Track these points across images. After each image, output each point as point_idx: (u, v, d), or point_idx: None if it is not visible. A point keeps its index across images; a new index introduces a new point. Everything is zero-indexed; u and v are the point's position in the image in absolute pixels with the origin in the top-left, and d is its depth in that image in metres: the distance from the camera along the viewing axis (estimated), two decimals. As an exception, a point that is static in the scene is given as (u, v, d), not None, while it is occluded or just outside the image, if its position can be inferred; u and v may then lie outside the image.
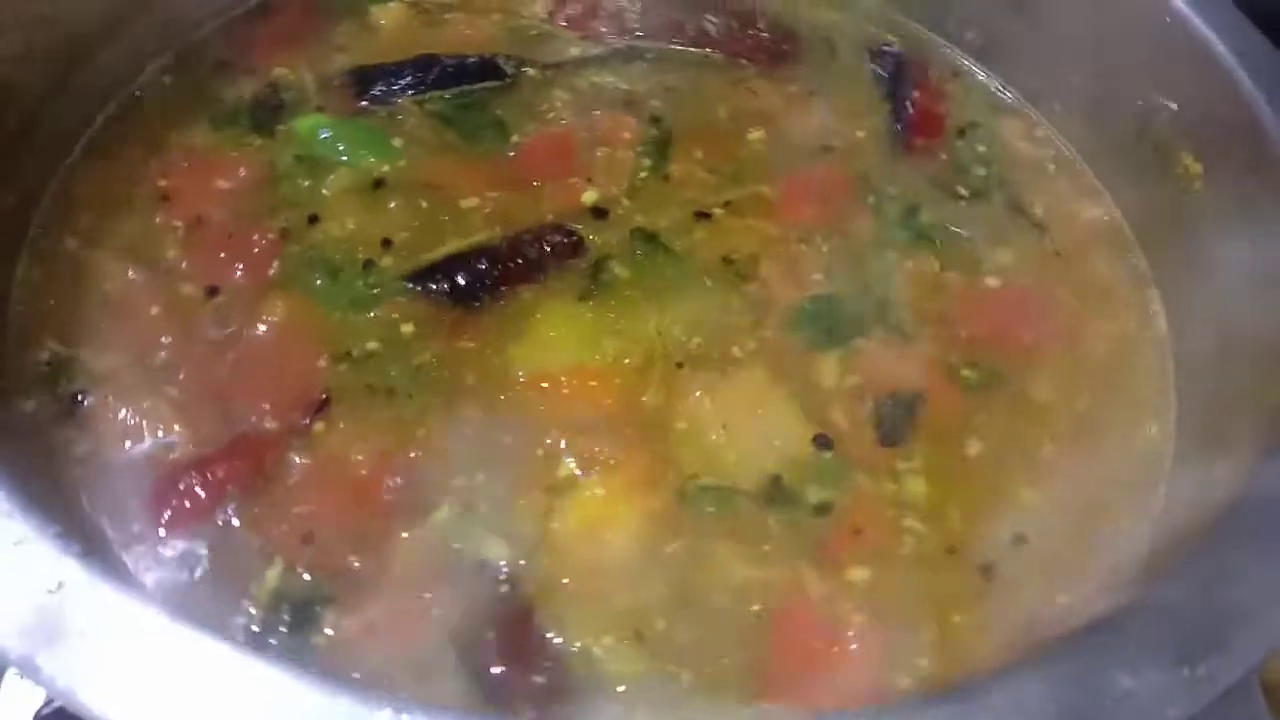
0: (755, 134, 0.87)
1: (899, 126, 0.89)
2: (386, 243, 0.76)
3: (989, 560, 0.66)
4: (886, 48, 0.95)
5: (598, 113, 0.87)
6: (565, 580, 0.62)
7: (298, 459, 0.66)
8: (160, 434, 0.66)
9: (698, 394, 0.70)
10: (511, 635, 0.58)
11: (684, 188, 0.83)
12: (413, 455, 0.66)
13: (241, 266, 0.73)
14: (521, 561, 0.62)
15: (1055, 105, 0.90)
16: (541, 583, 0.62)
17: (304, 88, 0.86)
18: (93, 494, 0.64)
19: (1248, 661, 0.49)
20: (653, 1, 0.96)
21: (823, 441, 0.69)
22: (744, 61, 0.92)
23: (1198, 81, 0.78)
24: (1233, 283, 0.73)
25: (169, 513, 0.63)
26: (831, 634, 0.61)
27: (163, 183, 0.78)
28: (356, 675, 0.57)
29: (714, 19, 0.94)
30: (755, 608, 0.62)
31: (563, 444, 0.66)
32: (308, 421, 0.67)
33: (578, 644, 0.59)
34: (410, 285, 0.74)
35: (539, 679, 0.57)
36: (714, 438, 0.68)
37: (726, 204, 0.81)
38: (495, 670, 0.57)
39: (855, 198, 0.83)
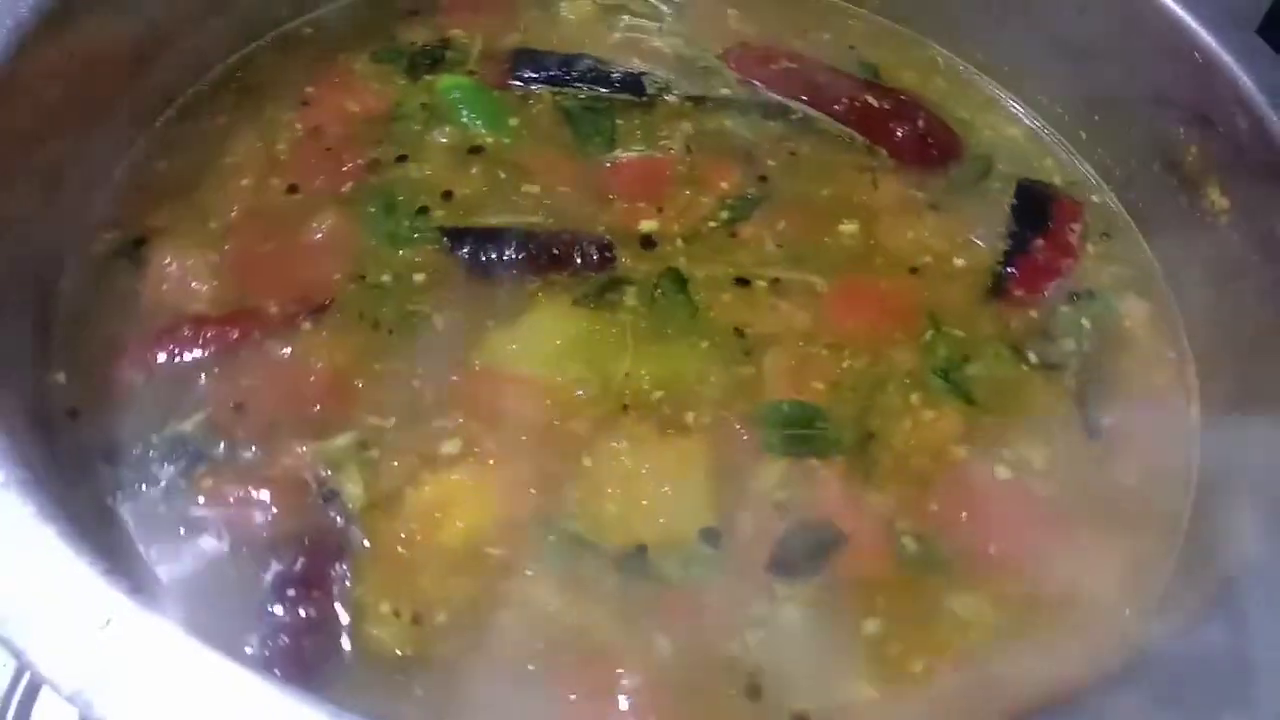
0: (849, 226, 0.83)
1: (1005, 269, 0.81)
2: (447, 195, 0.82)
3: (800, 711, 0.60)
4: (1038, 182, 0.87)
5: (710, 154, 0.87)
6: (392, 542, 0.64)
7: (275, 346, 0.73)
8: (192, 285, 0.75)
9: (622, 443, 0.69)
10: (315, 563, 0.62)
11: (743, 250, 0.81)
12: (357, 384, 0.71)
13: (323, 178, 0.82)
14: (365, 508, 0.65)
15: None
16: (370, 533, 0.65)
17: (468, 52, 0.93)
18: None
19: (1270, 712, 0.49)
20: (826, 69, 0.95)
21: (710, 536, 0.66)
22: (884, 152, 0.89)
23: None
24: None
25: (156, 346, 0.72)
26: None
27: (309, 89, 0.88)
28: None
29: (876, 101, 0.91)
30: (539, 648, 0.61)
31: (459, 421, 0.69)
32: (301, 319, 0.74)
33: (361, 598, 0.62)
34: (444, 240, 0.79)
35: (309, 612, 0.61)
36: (609, 490, 0.67)
37: (774, 281, 0.79)
38: (283, 583, 0.62)
39: (911, 328, 0.78)
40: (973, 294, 0.80)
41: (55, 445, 0.65)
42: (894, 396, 0.74)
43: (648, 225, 0.82)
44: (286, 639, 0.59)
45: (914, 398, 0.74)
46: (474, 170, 0.84)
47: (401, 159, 0.84)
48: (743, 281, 0.79)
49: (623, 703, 0.59)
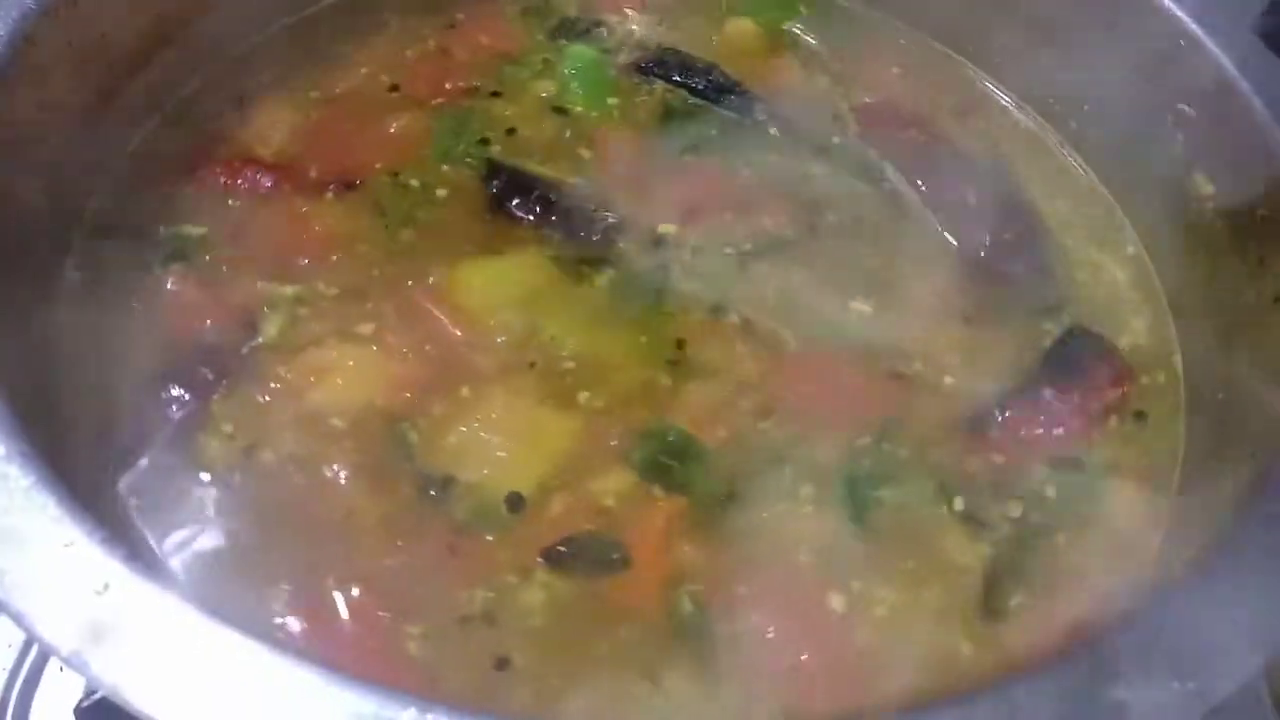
0: (862, 305, 0.78)
1: (997, 409, 0.71)
2: (511, 132, 0.86)
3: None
4: (1095, 335, 0.77)
5: (774, 190, 0.85)
6: (269, 380, 0.70)
7: (296, 202, 0.81)
8: (269, 134, 0.85)
9: (504, 392, 0.71)
10: (206, 368, 0.70)
11: (743, 283, 0.79)
12: (333, 256, 0.78)
13: (424, 88, 0.89)
14: (268, 347, 0.72)
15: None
16: (258, 367, 0.71)
17: (614, 34, 0.96)
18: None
19: (1239, 677, 0.50)
20: (953, 154, 0.88)
21: (514, 501, 0.66)
22: (952, 244, 0.82)
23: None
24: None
25: (214, 169, 0.82)
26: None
27: (460, 16, 0.95)
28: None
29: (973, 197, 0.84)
30: (312, 516, 0.65)
31: (385, 315, 0.73)
32: (329, 190, 0.82)
33: (217, 410, 0.69)
34: (485, 171, 0.83)
35: (177, 402, 0.68)
36: (463, 424, 0.69)
37: (747, 321, 0.76)
38: (174, 375, 0.69)
39: (855, 426, 0.71)
40: (946, 420, 0.72)
41: (55, 415, 0.66)
42: (786, 476, 0.68)
43: (666, 228, 0.82)
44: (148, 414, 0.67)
45: (804, 489, 0.68)
46: (544, 123, 0.88)
47: (495, 94, 0.90)
48: (720, 309, 0.77)
49: (338, 599, 0.61)
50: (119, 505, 0.64)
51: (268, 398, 0.70)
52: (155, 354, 0.72)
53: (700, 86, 0.92)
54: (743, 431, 0.70)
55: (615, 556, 0.63)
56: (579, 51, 0.94)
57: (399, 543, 0.63)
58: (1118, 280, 0.83)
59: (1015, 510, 0.68)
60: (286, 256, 0.78)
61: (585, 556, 0.63)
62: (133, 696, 0.47)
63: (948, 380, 0.74)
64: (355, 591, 0.61)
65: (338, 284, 0.76)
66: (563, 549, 0.63)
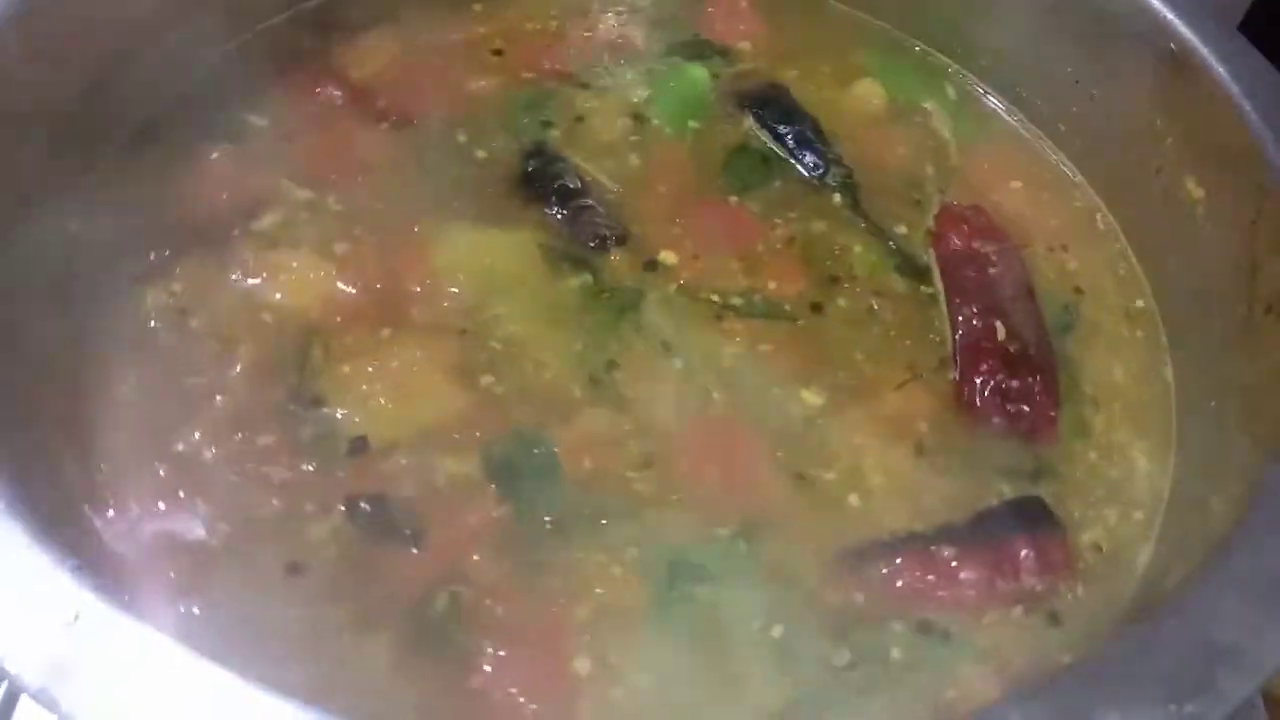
0: (813, 397, 0.71)
1: (892, 555, 0.63)
2: (578, 120, 0.87)
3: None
4: (1042, 507, 0.66)
5: (803, 259, 0.80)
6: (233, 267, 0.74)
7: (345, 120, 0.84)
8: (365, 60, 0.89)
9: (416, 351, 0.71)
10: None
11: (710, 333, 0.75)
12: (356, 179, 0.81)
13: (526, 59, 0.91)
14: (244, 237, 0.76)
15: None
16: (225, 252, 0.75)
17: (733, 63, 0.94)
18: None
19: (1234, 699, 0.49)
20: (1024, 295, 0.78)
21: (357, 445, 0.66)
22: (954, 378, 0.73)
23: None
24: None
25: (306, 81, 0.87)
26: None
27: (595, 6, 0.97)
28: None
29: (1014, 375, 0.73)
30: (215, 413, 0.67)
31: (358, 240, 0.77)
32: (384, 121, 0.85)
33: (168, 284, 0.73)
34: (530, 148, 0.84)
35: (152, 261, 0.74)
36: (362, 364, 0.70)
37: (686, 368, 0.72)
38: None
39: (738, 516, 0.65)
40: (826, 539, 0.65)
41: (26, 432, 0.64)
42: (619, 532, 0.64)
43: (666, 256, 0.79)
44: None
45: (629, 551, 0.63)
46: (616, 124, 0.87)
47: (583, 85, 0.90)
48: (667, 346, 0.73)
49: (159, 469, 0.65)
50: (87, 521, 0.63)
51: (227, 276, 0.75)
52: (168, 209, 0.79)
53: (785, 134, 0.88)
54: (609, 472, 0.67)
55: (408, 532, 0.62)
56: (689, 70, 0.93)
57: (237, 436, 0.66)
58: (1134, 469, 0.71)
59: (841, 658, 0.60)
60: (318, 166, 0.82)
61: (381, 519, 0.63)
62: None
63: (853, 500, 0.66)
64: (163, 471, 0.64)
65: (345, 203, 0.80)
66: (365, 504, 0.63)
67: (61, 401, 0.67)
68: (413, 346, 0.72)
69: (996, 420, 0.71)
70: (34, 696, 0.45)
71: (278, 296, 0.74)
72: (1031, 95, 0.91)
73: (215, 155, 0.82)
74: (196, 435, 0.66)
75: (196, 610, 0.59)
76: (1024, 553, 0.62)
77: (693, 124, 0.89)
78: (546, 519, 0.64)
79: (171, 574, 0.61)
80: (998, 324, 0.75)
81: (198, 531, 0.63)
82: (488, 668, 0.57)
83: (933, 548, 0.63)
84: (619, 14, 0.98)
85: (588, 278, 0.77)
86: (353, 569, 0.61)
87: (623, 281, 0.77)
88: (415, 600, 0.60)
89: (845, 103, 0.93)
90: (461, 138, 0.85)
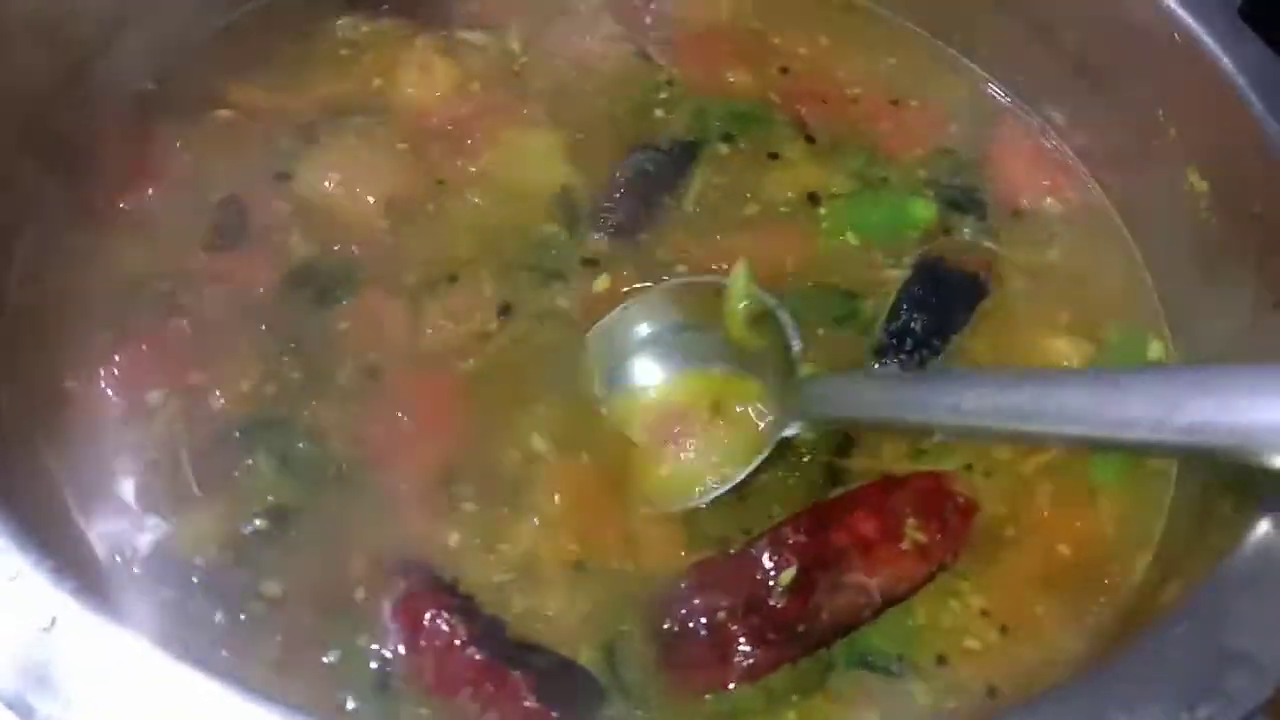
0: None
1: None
2: (727, 138, 0.87)
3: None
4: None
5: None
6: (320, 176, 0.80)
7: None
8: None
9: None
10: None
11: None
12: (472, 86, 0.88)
13: (740, 80, 0.92)
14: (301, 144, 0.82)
15: None
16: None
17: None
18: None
19: (1246, 705, 0.50)
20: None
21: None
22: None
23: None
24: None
25: None
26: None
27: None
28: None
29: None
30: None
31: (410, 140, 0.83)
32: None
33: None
34: (649, 139, 0.86)
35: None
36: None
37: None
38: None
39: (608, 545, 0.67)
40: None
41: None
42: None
43: (602, 284, 0.78)
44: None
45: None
46: (759, 170, 0.86)
47: (813, 140, 0.88)
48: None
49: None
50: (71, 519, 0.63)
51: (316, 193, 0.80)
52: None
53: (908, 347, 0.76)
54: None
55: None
56: (910, 204, 0.85)
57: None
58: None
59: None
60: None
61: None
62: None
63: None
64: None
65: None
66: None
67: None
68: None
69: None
70: (8, 705, 0.44)
71: (350, 192, 0.80)
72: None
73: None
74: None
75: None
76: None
77: (851, 239, 0.83)
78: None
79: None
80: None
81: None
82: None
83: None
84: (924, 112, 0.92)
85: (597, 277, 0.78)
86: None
87: (595, 298, 0.78)
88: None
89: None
90: (604, 103, 0.88)
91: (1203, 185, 0.76)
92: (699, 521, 0.67)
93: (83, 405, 0.68)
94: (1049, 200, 0.87)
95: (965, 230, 0.84)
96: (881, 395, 0.69)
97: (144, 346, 0.70)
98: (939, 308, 0.77)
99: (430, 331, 0.73)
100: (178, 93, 0.83)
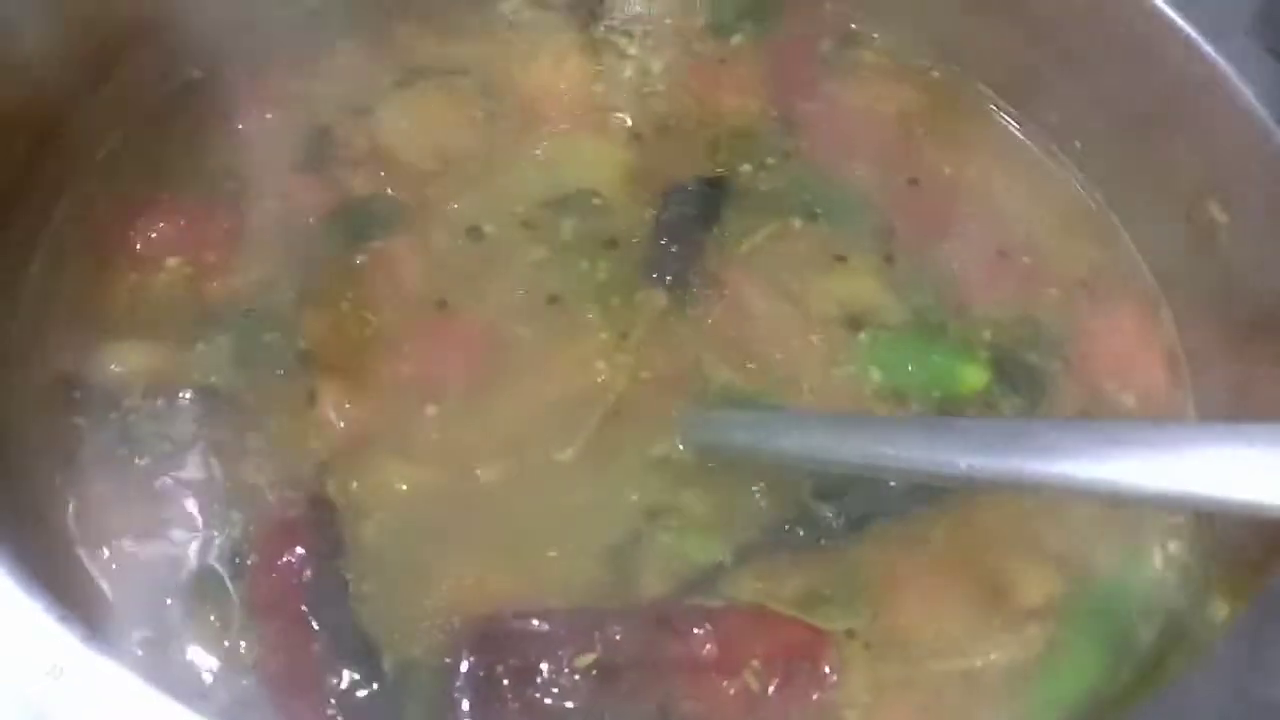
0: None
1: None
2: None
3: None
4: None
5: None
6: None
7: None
8: None
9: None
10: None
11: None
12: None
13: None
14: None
15: None
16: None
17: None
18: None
19: None
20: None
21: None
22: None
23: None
24: None
25: None
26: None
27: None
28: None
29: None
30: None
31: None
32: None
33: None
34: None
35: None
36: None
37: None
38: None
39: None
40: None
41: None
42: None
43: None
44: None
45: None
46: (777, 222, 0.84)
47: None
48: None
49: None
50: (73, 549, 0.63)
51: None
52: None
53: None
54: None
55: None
56: (963, 364, 0.76)
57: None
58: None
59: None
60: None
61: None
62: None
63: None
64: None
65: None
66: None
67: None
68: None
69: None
70: None
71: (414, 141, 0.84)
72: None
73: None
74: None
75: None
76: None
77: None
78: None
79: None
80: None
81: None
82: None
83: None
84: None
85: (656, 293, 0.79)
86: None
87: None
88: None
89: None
90: (660, 111, 0.89)
91: (1222, 216, 0.74)
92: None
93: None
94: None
95: (1006, 412, 0.74)
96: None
97: (183, 221, 0.77)
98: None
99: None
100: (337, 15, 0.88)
